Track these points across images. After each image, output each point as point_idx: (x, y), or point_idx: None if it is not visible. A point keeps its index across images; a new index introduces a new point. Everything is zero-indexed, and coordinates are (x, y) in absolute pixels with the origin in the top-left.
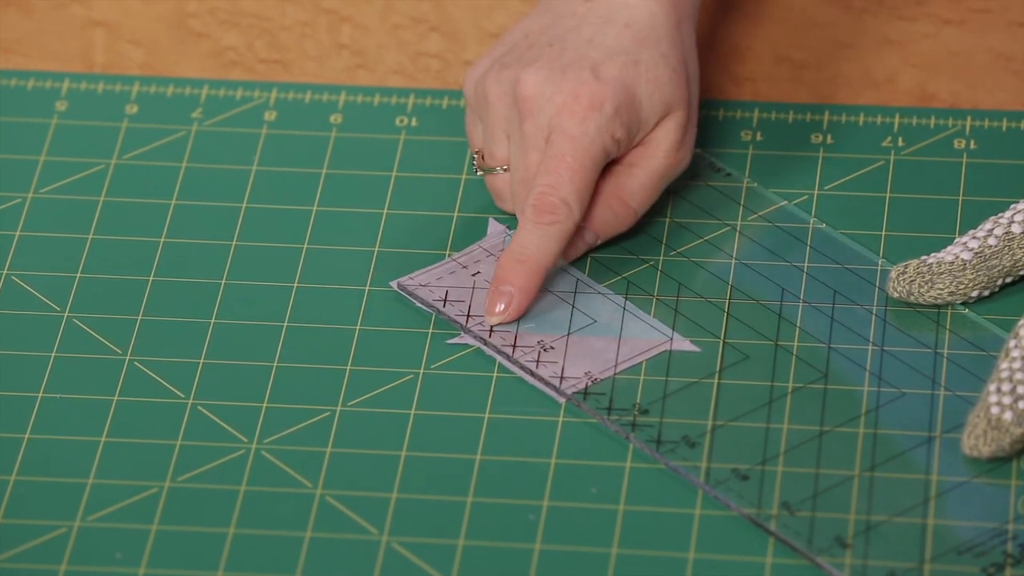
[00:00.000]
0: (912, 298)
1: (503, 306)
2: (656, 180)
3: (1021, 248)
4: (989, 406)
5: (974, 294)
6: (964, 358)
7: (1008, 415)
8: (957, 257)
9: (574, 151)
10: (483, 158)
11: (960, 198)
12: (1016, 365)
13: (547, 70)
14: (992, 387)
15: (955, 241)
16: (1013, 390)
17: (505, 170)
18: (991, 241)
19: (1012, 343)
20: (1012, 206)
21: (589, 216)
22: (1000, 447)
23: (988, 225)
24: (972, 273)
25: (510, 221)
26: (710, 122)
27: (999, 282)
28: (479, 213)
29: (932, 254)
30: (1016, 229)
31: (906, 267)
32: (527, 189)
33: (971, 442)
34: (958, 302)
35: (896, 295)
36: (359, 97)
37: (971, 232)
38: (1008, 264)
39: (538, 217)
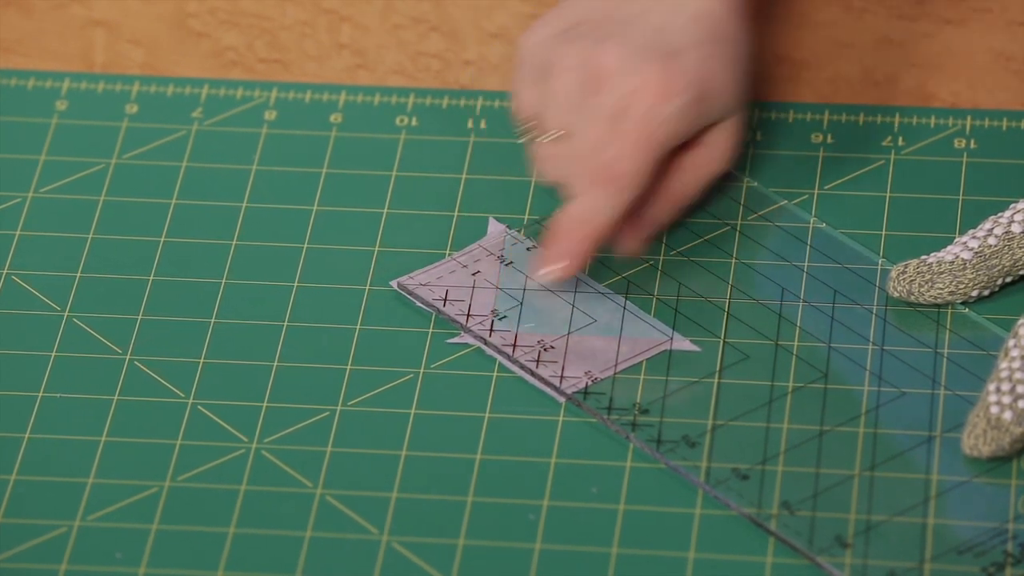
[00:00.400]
0: (912, 298)
1: (552, 268)
2: (706, 184)
3: (1021, 248)
4: (989, 405)
5: (974, 293)
6: (964, 358)
7: (1008, 414)
8: (957, 256)
9: (645, 129)
10: (535, 125)
11: (960, 198)
12: (1016, 365)
13: (626, 48)
14: (992, 387)
15: (955, 241)
16: (1013, 389)
17: (559, 137)
18: (991, 241)
19: (1012, 343)
20: (1012, 206)
21: (654, 210)
22: (1000, 446)
23: (988, 225)
24: (972, 272)
25: (510, 221)
26: None
27: (999, 282)
28: (479, 213)
29: (932, 254)
30: (1016, 229)
31: (906, 267)
32: (584, 161)
33: (971, 441)
34: (958, 301)
35: (896, 295)
36: (359, 97)
37: (971, 232)
38: (1008, 264)
39: (598, 185)
